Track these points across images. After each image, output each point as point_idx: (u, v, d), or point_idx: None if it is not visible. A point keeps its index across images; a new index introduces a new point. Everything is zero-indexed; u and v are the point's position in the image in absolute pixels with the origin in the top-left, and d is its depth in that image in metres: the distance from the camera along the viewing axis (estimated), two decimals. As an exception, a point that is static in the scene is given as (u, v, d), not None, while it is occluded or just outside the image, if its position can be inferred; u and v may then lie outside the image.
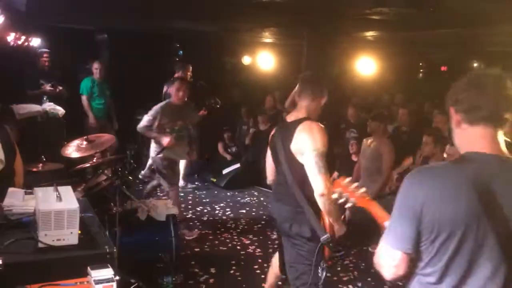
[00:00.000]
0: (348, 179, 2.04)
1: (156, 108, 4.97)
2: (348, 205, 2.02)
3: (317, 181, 2.67)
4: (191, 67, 6.76)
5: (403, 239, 1.58)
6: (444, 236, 1.53)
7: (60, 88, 6.72)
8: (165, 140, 4.83)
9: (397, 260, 1.60)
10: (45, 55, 6.78)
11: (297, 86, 2.94)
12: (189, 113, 5.37)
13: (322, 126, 2.81)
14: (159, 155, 4.97)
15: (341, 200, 2.03)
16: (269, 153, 3.12)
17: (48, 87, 6.64)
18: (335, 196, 2.11)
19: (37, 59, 6.78)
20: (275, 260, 3.38)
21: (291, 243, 2.97)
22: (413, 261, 1.62)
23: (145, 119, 4.96)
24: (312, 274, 2.82)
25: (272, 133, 3.09)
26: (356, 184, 2.02)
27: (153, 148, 5.11)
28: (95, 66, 6.82)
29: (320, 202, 2.70)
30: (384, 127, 5.34)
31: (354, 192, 2.01)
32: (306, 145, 2.71)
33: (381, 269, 1.66)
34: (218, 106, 6.63)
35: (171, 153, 5.04)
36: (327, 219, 2.81)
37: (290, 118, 2.93)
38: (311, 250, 2.85)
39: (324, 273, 2.88)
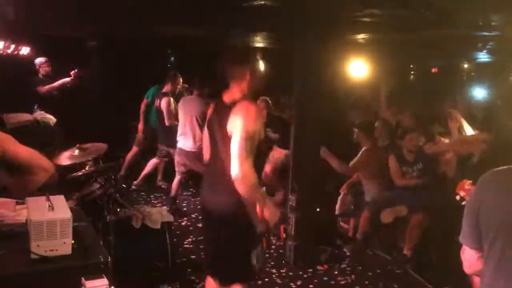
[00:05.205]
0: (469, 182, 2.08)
1: None
2: None
3: (235, 163, 2.60)
4: (181, 80, 6.77)
5: (467, 233, 1.69)
6: (491, 238, 1.59)
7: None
8: None
9: (465, 254, 1.71)
10: (44, 63, 6.76)
11: (223, 65, 2.87)
12: None
13: (259, 107, 2.78)
14: None
15: (463, 203, 2.08)
16: (205, 133, 3.04)
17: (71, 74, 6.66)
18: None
19: (37, 68, 6.75)
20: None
21: (226, 234, 2.81)
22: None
23: None
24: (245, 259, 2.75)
25: (209, 114, 2.99)
26: None
27: None
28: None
29: (237, 185, 2.62)
30: (364, 135, 5.38)
31: None
32: (237, 125, 2.64)
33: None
34: None
35: None
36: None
37: (226, 98, 2.86)
38: (246, 237, 2.76)
39: (259, 264, 2.79)
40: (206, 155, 3.03)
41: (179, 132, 6.02)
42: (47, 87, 6.61)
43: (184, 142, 5.93)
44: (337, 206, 5.57)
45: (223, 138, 2.74)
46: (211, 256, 3.04)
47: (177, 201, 6.15)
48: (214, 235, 2.91)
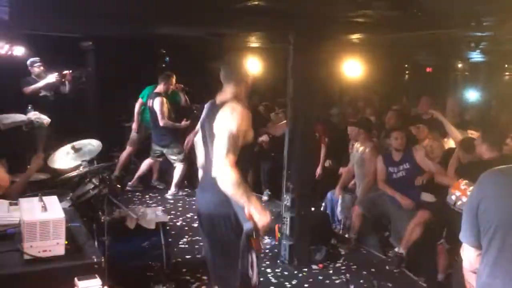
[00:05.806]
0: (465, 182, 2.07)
1: None
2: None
3: (216, 160, 2.60)
4: (174, 80, 6.76)
5: (467, 231, 1.71)
6: (489, 236, 1.61)
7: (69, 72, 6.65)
8: None
9: (465, 252, 1.73)
10: (36, 63, 6.72)
11: (221, 70, 2.93)
12: None
13: (247, 110, 2.76)
14: None
15: (458, 203, 2.06)
16: (199, 136, 3.08)
17: (55, 76, 6.57)
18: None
19: (30, 69, 6.71)
20: None
21: (215, 236, 2.79)
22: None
23: None
24: (240, 266, 2.67)
25: (202, 115, 3.04)
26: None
27: None
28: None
29: (219, 183, 2.57)
30: (364, 132, 5.42)
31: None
32: (221, 123, 2.67)
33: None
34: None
35: None
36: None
37: (218, 99, 2.90)
38: (236, 241, 2.68)
39: (255, 266, 2.70)
40: (201, 156, 3.05)
41: None
42: (31, 88, 6.57)
43: None
44: (339, 211, 5.55)
45: (212, 138, 2.75)
46: (208, 263, 2.98)
47: None
48: (206, 239, 2.90)
